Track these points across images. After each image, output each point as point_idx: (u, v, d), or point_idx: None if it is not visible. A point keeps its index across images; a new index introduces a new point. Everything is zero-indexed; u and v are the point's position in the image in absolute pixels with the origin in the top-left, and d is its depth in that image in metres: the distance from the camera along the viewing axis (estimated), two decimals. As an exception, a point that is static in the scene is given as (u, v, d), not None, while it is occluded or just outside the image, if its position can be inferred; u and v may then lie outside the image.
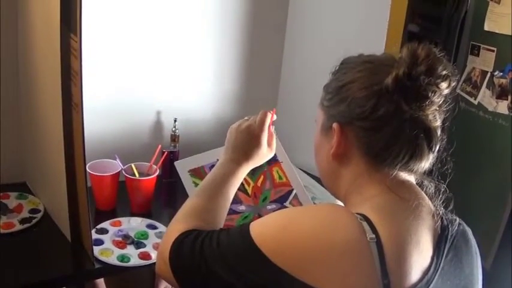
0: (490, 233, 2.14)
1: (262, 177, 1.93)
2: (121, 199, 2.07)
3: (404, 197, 1.08)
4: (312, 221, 1.02)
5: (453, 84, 1.08)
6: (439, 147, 1.11)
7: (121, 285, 2.82)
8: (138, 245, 1.83)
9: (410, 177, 1.13)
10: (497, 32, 2.09)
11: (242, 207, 1.83)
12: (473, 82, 2.21)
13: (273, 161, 1.89)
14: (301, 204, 1.87)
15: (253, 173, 1.84)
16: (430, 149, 1.09)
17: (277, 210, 1.62)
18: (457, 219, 1.16)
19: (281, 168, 1.93)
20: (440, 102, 1.07)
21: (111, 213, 2.05)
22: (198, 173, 1.88)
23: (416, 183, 1.15)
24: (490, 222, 2.14)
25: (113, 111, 2.22)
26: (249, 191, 1.89)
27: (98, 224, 1.92)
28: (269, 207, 1.88)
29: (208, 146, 2.53)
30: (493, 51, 2.12)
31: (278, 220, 1.06)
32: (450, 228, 1.12)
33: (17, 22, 1.94)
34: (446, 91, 1.07)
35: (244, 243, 1.03)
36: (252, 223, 1.07)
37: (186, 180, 1.85)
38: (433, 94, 1.04)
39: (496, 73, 2.11)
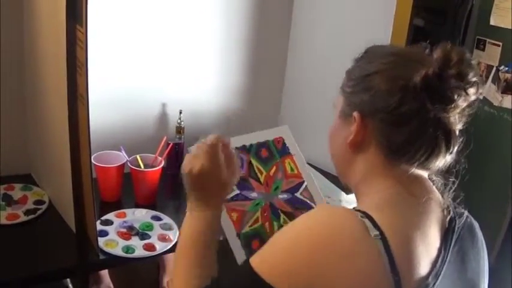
0: (494, 228, 2.14)
1: (274, 167, 1.87)
2: (126, 190, 2.08)
3: (414, 193, 1.08)
4: (312, 234, 0.98)
5: (480, 91, 1.08)
6: (457, 148, 1.11)
7: (125, 276, 2.83)
8: (143, 236, 1.84)
9: (423, 172, 1.12)
10: (503, 26, 2.09)
11: (254, 194, 1.77)
12: (478, 76, 2.21)
13: (285, 153, 1.89)
14: (311, 196, 1.84)
15: (266, 163, 1.84)
16: (448, 149, 1.08)
17: (288, 200, 1.76)
18: (465, 212, 1.17)
19: (293, 160, 1.91)
20: (465, 106, 1.06)
21: (116, 205, 2.05)
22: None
23: (428, 176, 1.15)
24: (493, 216, 2.14)
25: (119, 102, 2.22)
26: (262, 179, 1.83)
27: (102, 215, 1.93)
28: (280, 196, 1.82)
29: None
30: (498, 45, 2.12)
31: (276, 244, 1.03)
32: (457, 221, 1.13)
33: (22, 13, 1.94)
34: (473, 97, 1.06)
35: (249, 279, 0.99)
36: (251, 258, 1.02)
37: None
38: (459, 98, 1.04)
39: (501, 68, 2.11)
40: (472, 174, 2.10)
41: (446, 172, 1.14)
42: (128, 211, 1.98)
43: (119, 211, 1.98)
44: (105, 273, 2.73)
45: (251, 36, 2.50)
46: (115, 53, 2.16)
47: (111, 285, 2.73)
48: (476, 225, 1.21)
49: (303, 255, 0.96)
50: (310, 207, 1.78)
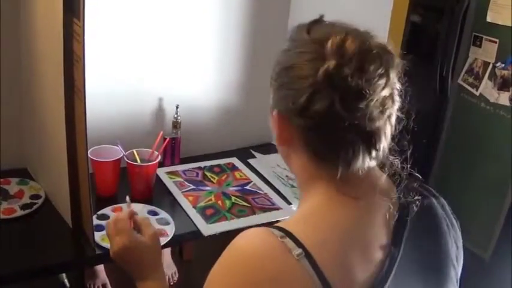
0: (490, 224, 2.14)
1: (226, 175, 2.37)
2: (122, 185, 2.08)
3: (350, 193, 1.00)
4: (227, 274, 0.94)
5: (393, 77, 0.97)
6: (395, 134, 1.02)
7: (121, 271, 2.83)
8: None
9: (367, 163, 1.01)
10: (499, 23, 2.09)
11: (208, 188, 2.25)
12: (475, 73, 2.21)
13: (235, 169, 2.44)
14: (260, 188, 2.28)
15: (218, 173, 2.37)
16: (370, 150, 0.98)
17: (238, 190, 2.25)
18: (420, 195, 1.08)
19: (242, 172, 2.41)
20: (380, 100, 0.95)
21: (112, 199, 2.05)
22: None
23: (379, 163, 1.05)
24: (489, 213, 2.15)
25: (115, 97, 2.22)
26: (214, 181, 2.31)
27: (99, 210, 1.92)
28: (231, 188, 2.27)
29: (209, 133, 2.54)
30: (495, 42, 2.12)
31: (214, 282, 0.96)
32: (410, 210, 1.05)
33: (19, 6, 1.93)
34: (384, 91, 0.96)
35: None
36: None
37: None
38: (369, 93, 0.93)
39: (498, 64, 2.11)
40: (468, 171, 2.11)
41: (398, 154, 1.06)
42: (124, 206, 1.97)
43: (115, 206, 1.97)
44: (101, 268, 2.73)
45: (248, 31, 2.50)
46: (112, 47, 2.15)
47: (107, 280, 2.73)
48: (435, 204, 1.12)
49: None
50: (258, 193, 2.23)
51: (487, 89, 2.15)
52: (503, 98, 2.09)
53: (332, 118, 0.94)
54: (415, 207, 1.06)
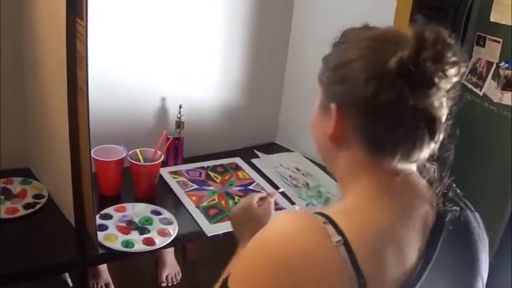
0: (493, 225, 2.14)
1: (229, 175, 2.39)
2: (125, 185, 2.08)
3: (395, 191, 1.04)
4: (264, 247, 0.97)
5: (462, 70, 1.00)
6: (444, 135, 1.04)
7: (124, 271, 2.83)
8: (142, 230, 1.84)
9: (409, 166, 1.06)
10: (503, 23, 2.09)
11: (211, 188, 2.26)
12: (478, 73, 2.20)
13: (239, 168, 2.46)
14: (263, 188, 2.29)
15: (221, 173, 2.39)
16: (432, 138, 1.01)
17: (241, 190, 2.26)
18: (458, 207, 1.11)
19: (246, 172, 2.43)
20: (448, 89, 0.98)
21: (116, 199, 2.05)
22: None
23: (418, 168, 1.09)
24: (492, 213, 2.14)
25: (118, 96, 2.22)
26: (218, 181, 2.33)
27: (102, 210, 1.93)
28: (234, 188, 2.28)
29: (213, 133, 2.54)
30: (498, 42, 2.12)
31: (242, 261, 1.01)
32: (447, 219, 1.07)
33: (22, 6, 1.93)
34: (455, 79, 0.98)
35: None
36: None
37: None
38: (439, 81, 0.96)
39: (501, 64, 2.11)
40: (471, 171, 2.10)
41: (436, 162, 1.09)
42: (128, 205, 1.98)
43: (118, 205, 1.97)
44: (103, 268, 2.73)
45: (252, 31, 2.50)
46: (115, 47, 2.15)
47: (110, 280, 2.74)
48: (471, 217, 1.15)
49: (278, 277, 0.92)
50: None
51: (490, 89, 2.15)
52: (506, 98, 2.09)
53: (399, 104, 0.96)
54: (452, 216, 1.08)
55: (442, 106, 1.00)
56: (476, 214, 1.17)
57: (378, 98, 0.97)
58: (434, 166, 1.10)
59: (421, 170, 1.10)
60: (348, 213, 1.01)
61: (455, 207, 1.09)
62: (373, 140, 1.03)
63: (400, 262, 0.98)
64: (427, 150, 1.02)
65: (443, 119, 1.01)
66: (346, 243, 0.92)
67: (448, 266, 1.06)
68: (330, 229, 0.94)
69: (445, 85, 0.98)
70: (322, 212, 0.99)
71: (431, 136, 1.00)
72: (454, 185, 1.14)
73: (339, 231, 0.94)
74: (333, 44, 1.12)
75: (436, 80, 0.96)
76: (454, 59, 0.97)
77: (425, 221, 1.05)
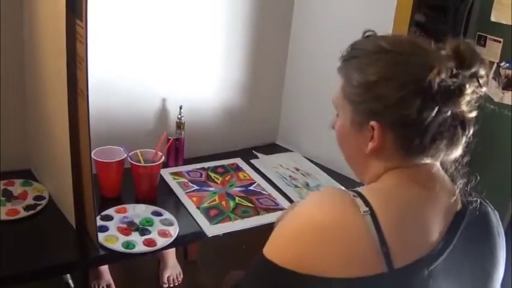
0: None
1: (229, 176, 2.38)
2: (126, 186, 2.07)
3: (420, 181, 1.12)
4: (312, 220, 1.06)
5: (486, 80, 1.11)
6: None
7: (125, 272, 2.83)
8: (143, 231, 1.84)
9: (434, 160, 1.15)
10: (504, 23, 2.09)
11: (212, 188, 2.26)
12: (479, 73, 2.20)
13: (239, 169, 2.45)
14: (264, 189, 2.28)
15: (222, 174, 2.38)
16: (464, 140, 1.12)
17: (242, 190, 2.25)
18: (479, 200, 1.19)
19: (246, 172, 2.42)
20: (476, 97, 1.09)
21: (116, 200, 2.04)
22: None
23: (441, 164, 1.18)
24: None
25: (119, 97, 2.22)
26: (218, 182, 2.32)
27: (102, 211, 1.92)
28: (235, 188, 2.28)
29: (213, 134, 2.54)
30: (499, 42, 2.12)
31: (284, 231, 1.11)
32: (468, 208, 1.15)
33: (22, 8, 1.93)
34: (484, 88, 1.09)
35: (263, 266, 1.08)
36: (264, 248, 1.10)
37: None
38: (471, 91, 1.06)
39: (502, 64, 2.11)
40: (471, 170, 2.10)
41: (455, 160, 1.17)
42: (128, 206, 1.98)
43: (119, 206, 1.97)
44: (105, 269, 2.73)
45: (252, 32, 2.50)
46: (115, 48, 2.15)
47: (111, 281, 2.74)
48: (491, 212, 1.22)
49: (307, 238, 1.03)
50: (262, 194, 2.23)
51: (491, 88, 2.15)
52: (507, 98, 2.09)
53: (440, 115, 1.06)
54: (473, 208, 1.17)
55: (471, 110, 1.10)
56: (496, 213, 1.25)
57: (423, 115, 1.05)
58: (457, 163, 1.18)
59: (444, 165, 1.19)
60: (377, 191, 1.11)
61: (476, 199, 1.18)
62: (413, 148, 1.11)
63: (423, 239, 1.07)
64: (459, 151, 1.13)
65: (472, 120, 1.12)
66: (372, 214, 1.03)
67: (468, 251, 1.13)
68: (359, 201, 1.05)
69: (474, 94, 1.08)
70: (353, 189, 1.11)
71: (464, 137, 1.11)
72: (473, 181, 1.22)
73: (367, 204, 1.04)
74: (343, 57, 1.18)
75: (469, 90, 1.06)
76: (483, 71, 1.08)
77: (448, 208, 1.14)
